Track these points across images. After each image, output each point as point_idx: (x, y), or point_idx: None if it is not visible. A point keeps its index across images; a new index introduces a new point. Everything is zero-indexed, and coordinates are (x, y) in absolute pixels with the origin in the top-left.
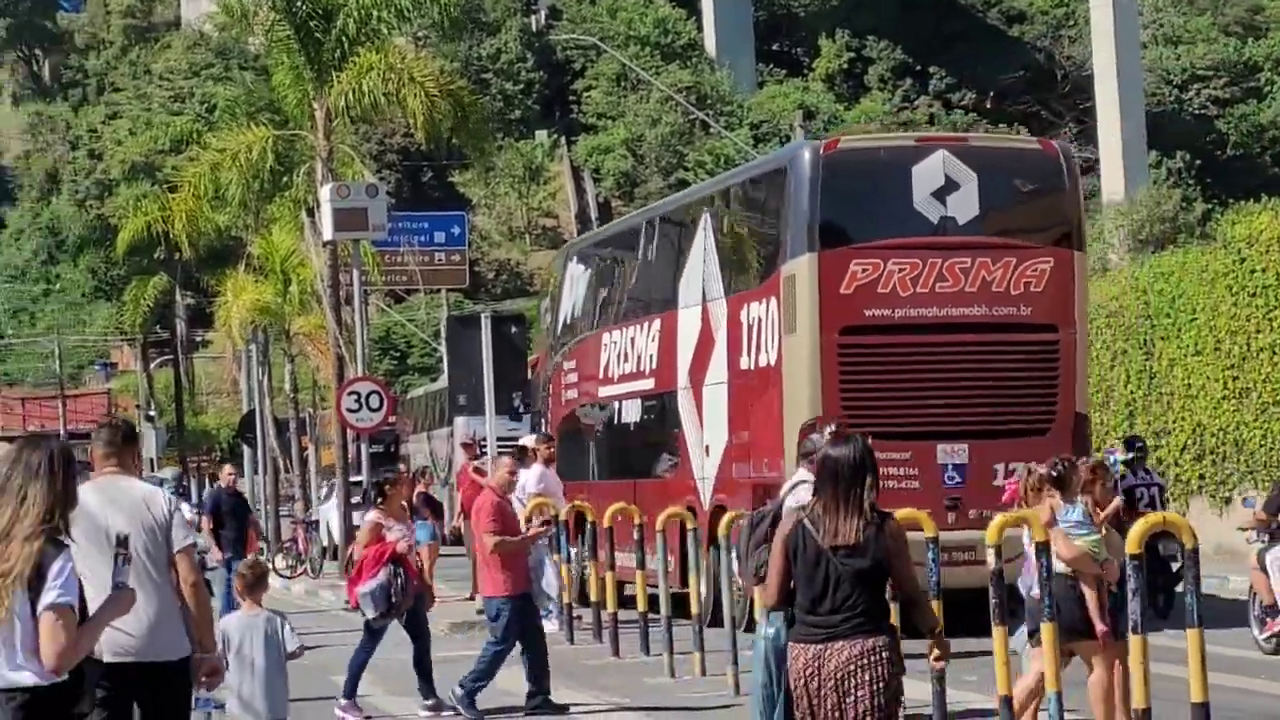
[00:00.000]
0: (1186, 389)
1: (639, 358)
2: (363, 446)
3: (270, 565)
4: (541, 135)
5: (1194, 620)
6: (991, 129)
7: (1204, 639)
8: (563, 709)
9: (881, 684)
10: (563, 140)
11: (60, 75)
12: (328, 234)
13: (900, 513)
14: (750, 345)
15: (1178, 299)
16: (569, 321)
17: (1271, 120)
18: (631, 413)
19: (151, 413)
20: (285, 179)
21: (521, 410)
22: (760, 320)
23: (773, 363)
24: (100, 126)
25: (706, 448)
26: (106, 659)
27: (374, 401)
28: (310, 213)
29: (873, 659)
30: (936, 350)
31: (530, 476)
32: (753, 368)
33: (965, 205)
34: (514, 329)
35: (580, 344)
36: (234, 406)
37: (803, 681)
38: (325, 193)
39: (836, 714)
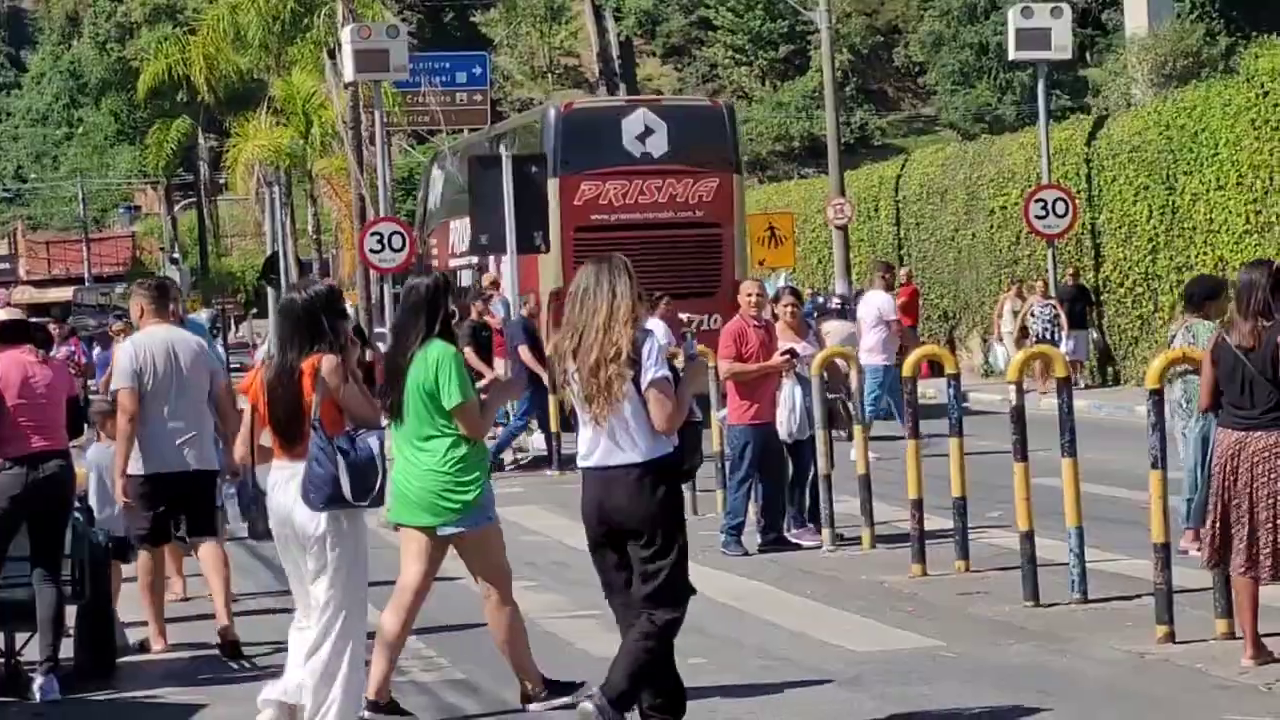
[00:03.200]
0: (1209, 224)
1: (469, 240)
2: (386, 287)
3: None
4: None
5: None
6: None
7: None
8: (795, 546)
9: None
10: None
11: None
12: (349, 75)
13: None
14: None
15: (1200, 134)
16: (433, 210)
17: None
18: (466, 279)
19: (175, 255)
20: (306, 20)
21: (543, 248)
22: None
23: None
24: None
25: (506, 302)
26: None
27: (396, 242)
28: (331, 54)
29: None
30: (639, 240)
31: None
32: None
33: (658, 144)
34: (534, 169)
35: (439, 227)
36: (258, 249)
37: (1223, 461)
38: (346, 34)
39: (1248, 491)
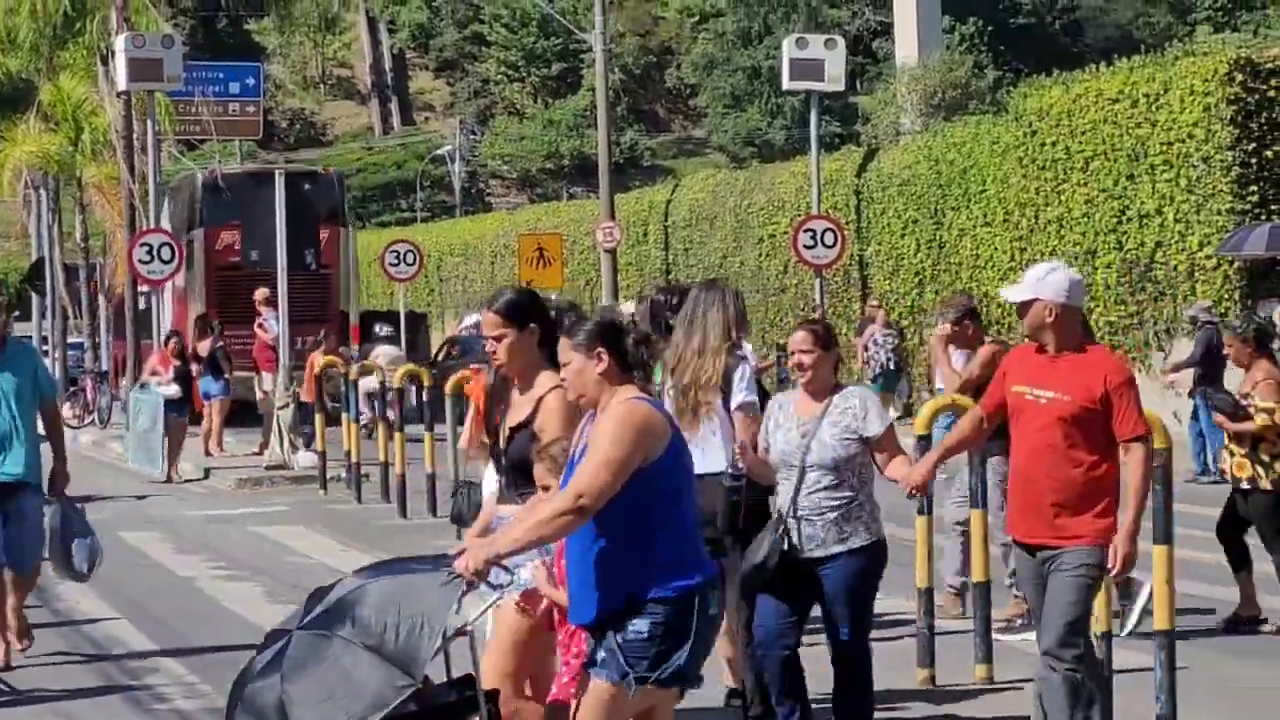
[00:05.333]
0: (975, 259)
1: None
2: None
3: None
4: None
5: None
6: None
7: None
8: None
9: None
10: None
11: None
12: (122, 84)
13: None
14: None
15: (969, 170)
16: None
17: None
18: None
19: None
20: (79, 25)
21: (315, 267)
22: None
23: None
24: None
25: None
26: None
27: (165, 254)
28: (104, 61)
29: None
30: (265, 279)
31: None
32: (182, 284)
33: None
34: (308, 185)
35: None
36: (21, 251)
37: None
38: (120, 42)
39: None
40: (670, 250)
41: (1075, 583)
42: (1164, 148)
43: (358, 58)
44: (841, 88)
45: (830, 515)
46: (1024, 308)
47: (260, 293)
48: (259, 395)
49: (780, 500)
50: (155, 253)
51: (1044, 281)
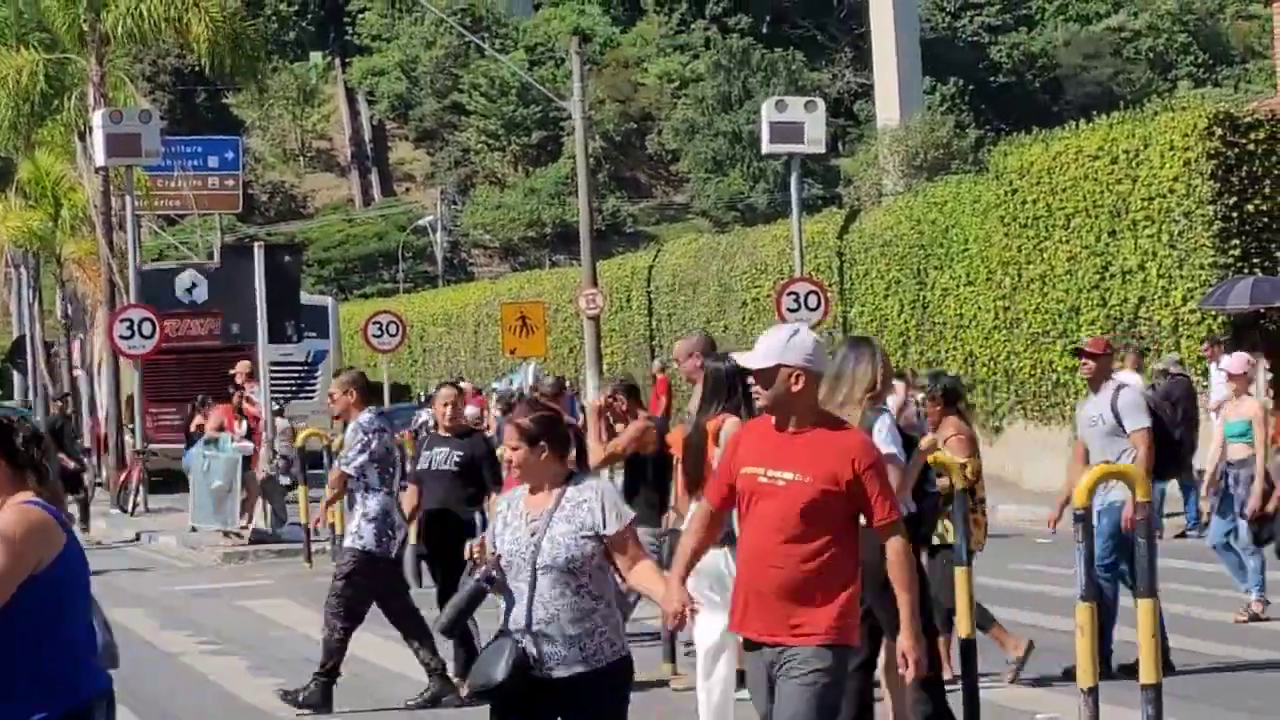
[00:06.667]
0: (959, 319)
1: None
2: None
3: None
4: (316, 57)
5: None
6: (768, 53)
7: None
8: None
9: None
10: (337, 62)
11: None
12: (100, 160)
13: None
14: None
15: (951, 229)
16: None
17: (1042, 49)
18: None
19: None
20: (56, 103)
21: (294, 337)
22: None
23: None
24: None
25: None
26: None
27: (146, 329)
28: (82, 137)
29: None
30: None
31: None
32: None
33: (200, 294)
34: (288, 258)
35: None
36: (2, 329)
37: None
38: (98, 118)
39: None
40: (654, 316)
41: (805, 691)
42: (1145, 203)
43: (337, 129)
44: (822, 150)
45: (570, 629)
46: (764, 376)
47: (244, 365)
48: (261, 475)
49: (514, 611)
50: (136, 328)
51: (789, 345)
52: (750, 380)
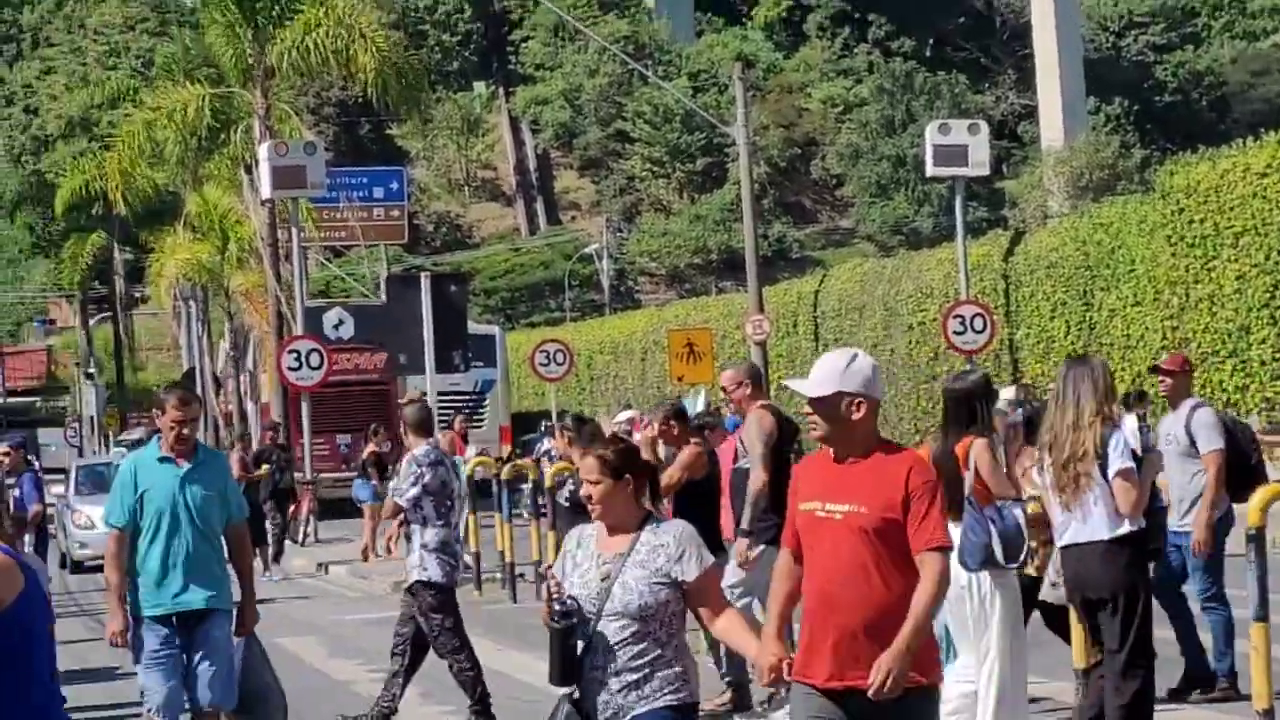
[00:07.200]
0: (1126, 339)
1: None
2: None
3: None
4: (480, 87)
5: None
6: (931, 76)
7: None
8: None
9: None
10: (501, 92)
11: None
12: (266, 192)
13: None
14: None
15: (1117, 250)
16: None
17: (1208, 66)
18: None
19: (91, 370)
20: (222, 136)
21: (462, 366)
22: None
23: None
24: (35, 82)
25: None
26: None
27: (314, 360)
28: (248, 170)
29: None
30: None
31: None
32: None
33: (347, 330)
34: (454, 287)
35: None
36: (174, 362)
37: None
38: (263, 151)
39: None
40: (820, 340)
41: None
42: None
43: (501, 159)
44: (986, 172)
45: (629, 676)
46: (823, 404)
47: (414, 393)
48: None
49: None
50: (304, 359)
51: (848, 372)
52: (806, 410)
